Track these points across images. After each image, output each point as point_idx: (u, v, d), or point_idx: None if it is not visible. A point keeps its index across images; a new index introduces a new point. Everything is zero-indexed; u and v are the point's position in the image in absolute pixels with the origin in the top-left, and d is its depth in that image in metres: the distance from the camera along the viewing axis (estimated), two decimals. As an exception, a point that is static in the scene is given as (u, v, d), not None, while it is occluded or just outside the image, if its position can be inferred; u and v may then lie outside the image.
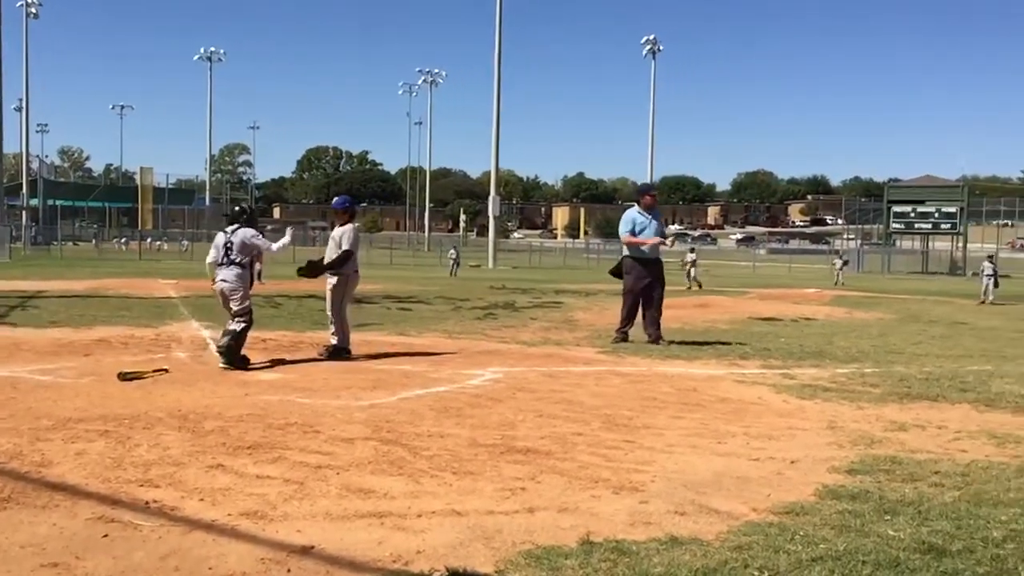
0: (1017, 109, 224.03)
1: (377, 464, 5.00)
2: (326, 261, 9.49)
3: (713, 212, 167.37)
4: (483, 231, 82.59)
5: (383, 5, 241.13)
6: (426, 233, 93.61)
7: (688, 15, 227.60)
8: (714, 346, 11.20)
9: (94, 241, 62.99)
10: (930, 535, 3.89)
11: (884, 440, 5.90)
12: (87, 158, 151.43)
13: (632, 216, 11.57)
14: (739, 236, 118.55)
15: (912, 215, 53.70)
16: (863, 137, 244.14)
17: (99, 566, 3.40)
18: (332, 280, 9.48)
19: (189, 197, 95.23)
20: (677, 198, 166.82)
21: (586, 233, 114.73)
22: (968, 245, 53.85)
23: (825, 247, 74.56)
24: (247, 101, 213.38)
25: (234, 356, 8.41)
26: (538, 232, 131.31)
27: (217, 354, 8.51)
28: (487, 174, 70.51)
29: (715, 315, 16.65)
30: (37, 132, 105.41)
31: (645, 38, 70.56)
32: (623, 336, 11.35)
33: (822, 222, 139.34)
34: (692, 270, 29.07)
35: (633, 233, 11.40)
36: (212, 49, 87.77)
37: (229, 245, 8.75)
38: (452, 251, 39.33)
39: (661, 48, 70.65)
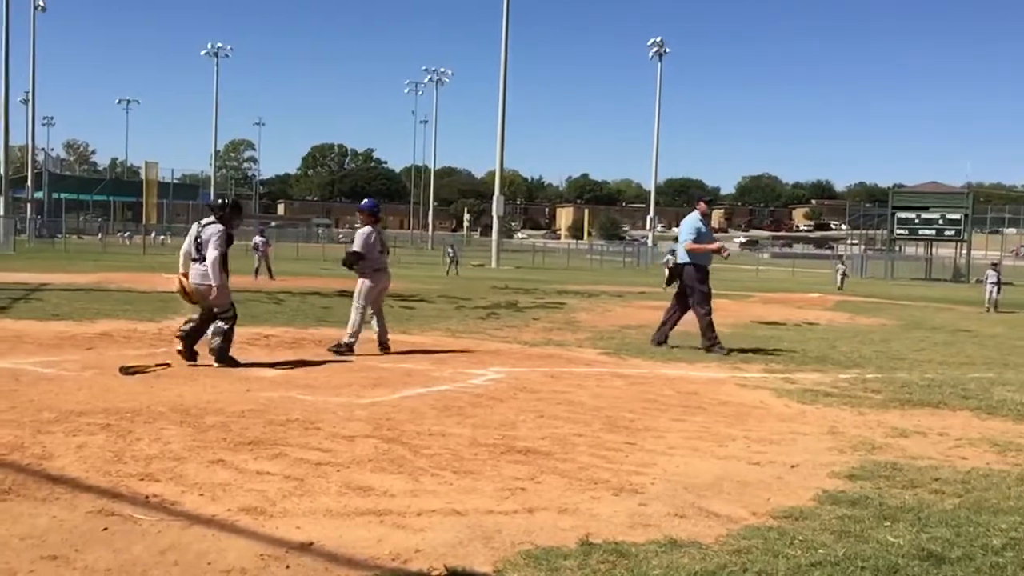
0: (1023, 116, 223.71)
1: (377, 462, 5.01)
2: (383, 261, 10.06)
3: (717, 215, 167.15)
4: (487, 231, 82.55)
5: (390, 3, 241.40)
6: (430, 232, 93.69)
7: (695, 17, 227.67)
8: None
9: (98, 235, 63.00)
10: (929, 542, 3.89)
11: (885, 446, 5.89)
12: (92, 152, 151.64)
13: (695, 224, 11.14)
14: (743, 239, 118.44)
15: (916, 221, 53.69)
16: (868, 142, 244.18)
17: (99, 559, 3.40)
18: (359, 279, 9.91)
19: (194, 192, 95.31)
20: (681, 201, 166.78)
21: (590, 234, 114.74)
22: (972, 252, 53.77)
23: (829, 252, 74.47)
24: (253, 97, 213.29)
25: (227, 356, 8.25)
26: (542, 233, 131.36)
27: (209, 355, 8.22)
28: (492, 174, 70.54)
29: (718, 319, 16.58)
30: (43, 125, 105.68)
31: (652, 40, 70.64)
32: (716, 342, 10.82)
33: (826, 227, 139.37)
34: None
35: (696, 241, 11.02)
36: (219, 45, 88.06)
37: (199, 240, 8.30)
38: (450, 249, 39.39)
39: (668, 50, 70.75)
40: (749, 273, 49.10)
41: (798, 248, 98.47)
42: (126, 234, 64.36)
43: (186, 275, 8.42)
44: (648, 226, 74.44)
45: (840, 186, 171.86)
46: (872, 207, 74.24)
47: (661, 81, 70.25)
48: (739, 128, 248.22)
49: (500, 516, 4.10)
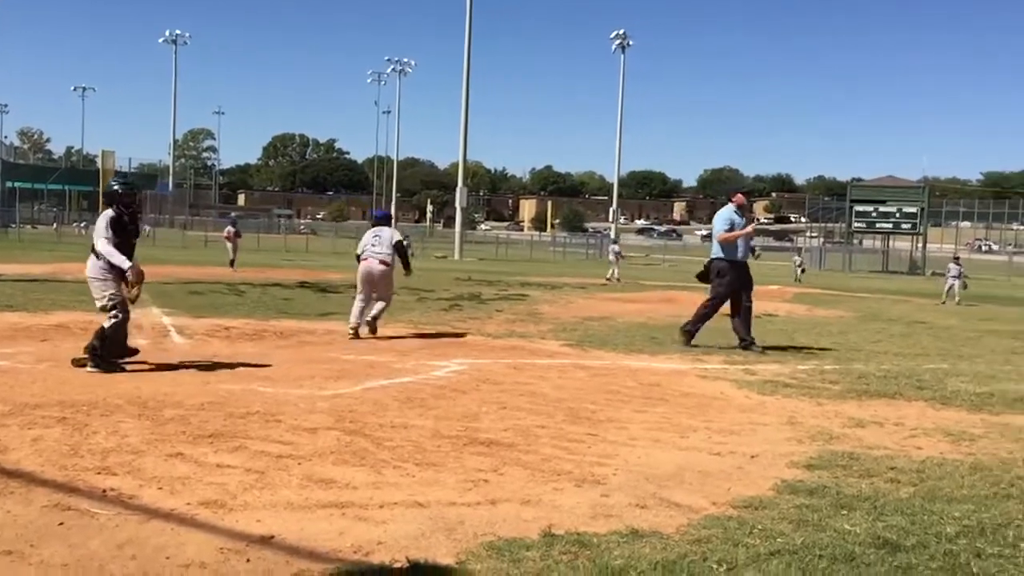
0: (977, 112, 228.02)
1: (339, 454, 4.98)
2: (369, 253, 10.97)
3: (679, 207, 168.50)
4: (450, 222, 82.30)
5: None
6: (393, 224, 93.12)
7: (658, 10, 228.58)
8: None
9: (54, 224, 61.89)
10: (885, 530, 3.95)
11: (842, 436, 5.98)
12: (47, 140, 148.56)
13: (730, 216, 10.75)
14: (704, 232, 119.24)
15: (874, 214, 54.48)
16: (828, 136, 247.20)
17: (54, 554, 3.35)
18: (384, 268, 10.89)
19: (152, 182, 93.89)
20: (644, 193, 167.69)
21: (553, 226, 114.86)
22: (928, 245, 54.72)
23: (789, 244, 75.35)
24: (212, 86, 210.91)
25: (99, 357, 7.24)
26: (505, 224, 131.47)
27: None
28: (455, 165, 70.34)
29: (680, 310, 16.73)
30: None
31: (614, 32, 70.82)
32: (691, 335, 10.63)
33: (786, 220, 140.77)
34: (615, 266, 29.69)
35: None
36: (177, 32, 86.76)
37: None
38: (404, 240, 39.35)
39: (631, 43, 71.00)
40: (710, 265, 49.50)
41: (759, 241, 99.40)
42: (82, 224, 63.25)
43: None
44: (611, 218, 74.71)
45: (800, 179, 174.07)
46: (831, 200, 75.26)
47: (624, 74, 70.55)
48: (702, 121, 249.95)
49: (463, 508, 4.10)
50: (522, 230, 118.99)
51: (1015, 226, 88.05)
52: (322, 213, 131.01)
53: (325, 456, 4.93)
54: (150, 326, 10.65)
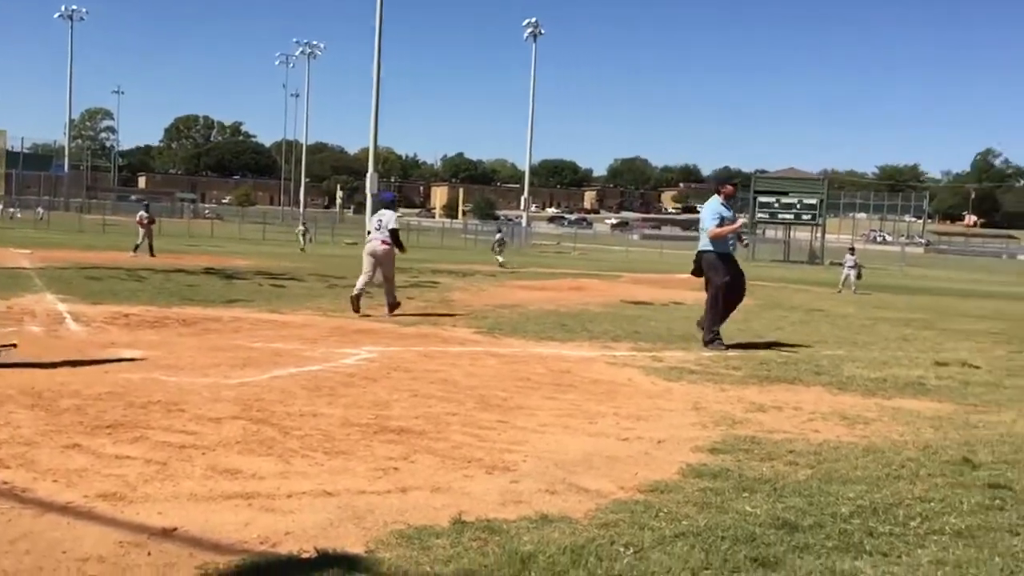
0: (873, 107, 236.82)
1: (245, 444, 4.88)
2: (373, 235, 12.27)
3: (590, 197, 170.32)
4: (360, 208, 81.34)
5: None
6: (301, 209, 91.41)
7: (570, 1, 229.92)
8: (587, 329, 11.41)
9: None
10: (784, 511, 4.09)
11: (744, 421, 6.15)
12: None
13: (718, 208, 10.34)
14: (614, 221, 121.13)
15: (776, 205, 56.05)
16: (734, 128, 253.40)
17: (-60, 552, 3.19)
18: (386, 248, 12.12)
19: (46, 163, 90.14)
20: (555, 182, 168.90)
21: (464, 213, 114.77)
22: (827, 236, 56.61)
23: (696, 234, 77.00)
24: (112, 65, 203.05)
25: None
26: (416, 211, 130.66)
27: None
28: (365, 150, 69.52)
29: (589, 298, 16.97)
30: None
31: (526, 21, 70.89)
32: (718, 336, 10.07)
33: (693, 210, 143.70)
34: (500, 252, 30.75)
35: (720, 227, 10.20)
36: (73, 7, 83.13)
37: None
38: (301, 226, 38.97)
39: (542, 31, 71.12)
40: (619, 254, 50.29)
41: (667, 230, 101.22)
42: (-29, 206, 60.31)
43: None
44: (523, 206, 75.03)
45: (707, 170, 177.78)
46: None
47: (535, 62, 70.72)
48: (612, 111, 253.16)
49: (372, 496, 4.07)
50: (433, 217, 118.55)
51: (907, 218, 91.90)
52: (228, 197, 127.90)
53: (230, 446, 4.82)
54: (44, 313, 10.23)
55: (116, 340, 8.37)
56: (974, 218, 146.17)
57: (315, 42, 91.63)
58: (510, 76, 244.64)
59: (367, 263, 12.22)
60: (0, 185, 73.65)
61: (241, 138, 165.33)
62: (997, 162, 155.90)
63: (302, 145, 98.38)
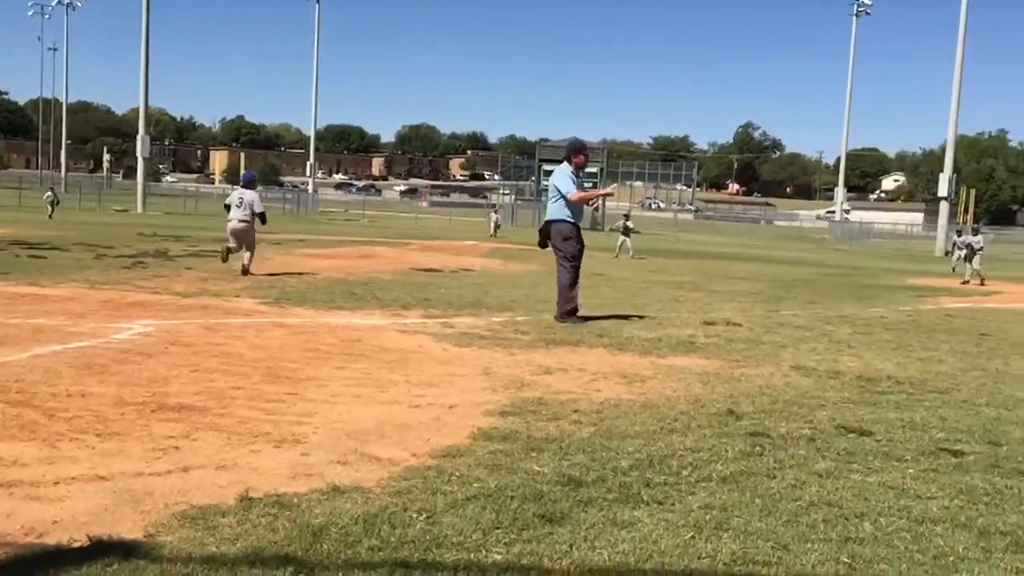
0: (646, 81, 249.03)
1: (4, 429, 4.48)
2: (233, 214, 13.89)
3: (378, 163, 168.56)
4: (131, 173, 76.30)
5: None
6: (63, 173, 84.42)
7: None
8: (376, 297, 11.34)
9: None
10: (569, 468, 4.27)
11: (532, 383, 6.35)
12: None
13: (570, 175, 10.12)
14: (403, 188, 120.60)
15: (560, 174, 57.76)
16: (519, 97, 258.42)
17: None
18: (245, 225, 13.80)
19: None
20: (342, 147, 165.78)
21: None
22: (607, 203, 59.06)
23: (484, 201, 78.13)
24: None
25: None
26: (194, 176, 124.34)
27: None
28: (135, 111, 64.95)
29: (379, 265, 16.86)
30: None
31: (311, -19, 68.60)
32: (575, 313, 9.79)
33: (480, 177, 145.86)
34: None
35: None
36: None
37: None
38: (49, 192, 35.89)
39: (327, -7, 69.06)
40: (408, 221, 50.20)
41: (455, 197, 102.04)
42: None
43: None
44: (308, 172, 73.11)
45: (494, 138, 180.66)
46: (522, 159, 78.83)
47: (319, 24, 68.71)
48: (399, 77, 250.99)
49: (151, 478, 3.86)
50: (213, 183, 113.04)
51: (679, 186, 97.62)
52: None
53: (-14, 433, 4.41)
54: None
55: None
56: (736, 186, 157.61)
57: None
58: (293, 38, 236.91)
59: (231, 236, 13.90)
60: None
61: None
62: (756, 135, 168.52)
63: (62, 104, 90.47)
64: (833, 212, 75.27)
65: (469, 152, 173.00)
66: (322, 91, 77.19)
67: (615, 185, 11.65)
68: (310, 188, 70.73)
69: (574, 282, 9.94)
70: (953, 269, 24.12)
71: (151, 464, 4.06)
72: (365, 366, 6.71)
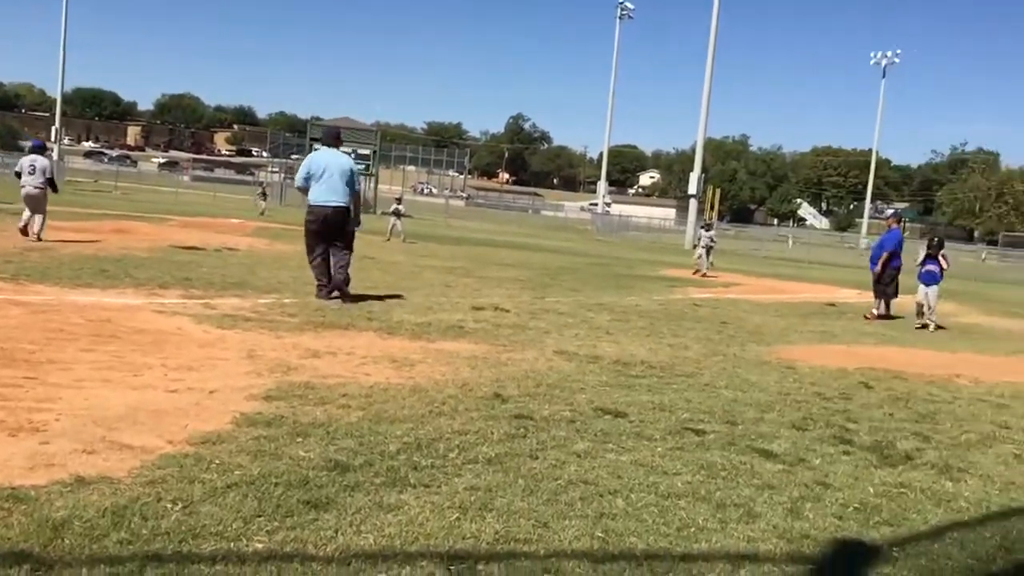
0: (422, 66, 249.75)
1: None
2: (25, 180, 14.64)
3: (134, 132, 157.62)
4: None
5: None
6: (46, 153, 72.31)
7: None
8: (131, 276, 10.63)
9: None
10: (336, 453, 4.22)
11: (300, 367, 6.21)
12: None
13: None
14: (162, 160, 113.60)
15: (331, 153, 56.77)
16: (291, 73, 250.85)
17: None
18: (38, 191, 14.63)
19: None
20: (93, 113, 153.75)
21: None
22: (379, 186, 58.74)
23: (251, 178, 75.22)
24: None
25: None
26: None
27: None
28: None
29: (134, 242, 15.80)
30: None
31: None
32: (326, 292, 10.11)
33: (248, 153, 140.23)
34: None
35: (307, 181, 10.25)
36: None
37: None
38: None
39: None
40: (168, 195, 47.39)
41: (220, 172, 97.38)
42: None
43: None
44: (53, 137, 67.16)
45: (263, 114, 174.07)
46: (292, 136, 76.50)
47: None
48: (158, 42, 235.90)
49: None
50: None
51: (451, 173, 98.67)
52: None
53: None
54: None
55: None
56: (507, 176, 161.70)
57: None
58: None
59: (25, 203, 14.46)
60: None
61: None
62: (527, 126, 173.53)
63: None
64: (596, 204, 78.97)
65: (236, 127, 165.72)
66: (71, 49, 70.99)
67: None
68: (55, 155, 64.99)
69: (321, 265, 10.36)
70: (712, 263, 25.92)
71: None
72: (117, 348, 6.28)
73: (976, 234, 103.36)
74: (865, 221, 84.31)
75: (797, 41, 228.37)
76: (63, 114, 68.73)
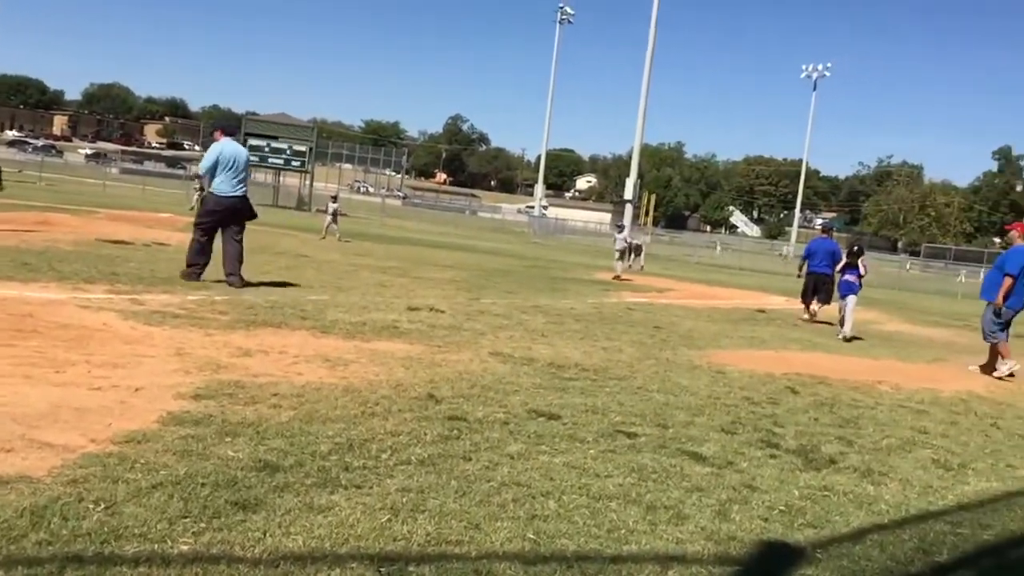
0: (360, 63, 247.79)
1: None
2: None
3: (60, 122, 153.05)
4: None
5: None
6: None
7: None
8: (55, 269, 10.33)
9: None
10: (266, 453, 4.15)
11: (230, 365, 6.10)
12: None
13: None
14: (89, 151, 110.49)
15: (267, 149, 55.81)
16: (225, 65, 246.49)
17: None
18: None
19: None
20: (17, 101, 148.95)
21: None
22: (315, 183, 58.05)
23: (183, 172, 73.65)
24: None
25: None
26: None
27: None
28: None
29: (58, 234, 15.34)
30: None
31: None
32: (198, 274, 10.68)
33: (179, 146, 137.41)
34: None
35: (213, 171, 10.78)
36: None
37: None
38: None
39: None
40: (95, 188, 46.13)
41: (150, 165, 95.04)
42: None
43: None
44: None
45: (195, 106, 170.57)
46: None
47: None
48: (86, 28, 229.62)
49: None
50: None
51: (388, 172, 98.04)
52: None
53: None
54: None
55: None
56: (444, 176, 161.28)
57: None
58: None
59: None
60: None
61: None
62: (465, 127, 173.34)
63: None
64: (533, 207, 79.34)
65: (167, 119, 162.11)
66: (-4, 35, 68.55)
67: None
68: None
69: (203, 247, 10.87)
70: (629, 266, 25.85)
71: None
72: (38, 344, 6.09)
73: (900, 245, 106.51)
74: (795, 230, 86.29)
75: (733, 50, 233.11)
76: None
